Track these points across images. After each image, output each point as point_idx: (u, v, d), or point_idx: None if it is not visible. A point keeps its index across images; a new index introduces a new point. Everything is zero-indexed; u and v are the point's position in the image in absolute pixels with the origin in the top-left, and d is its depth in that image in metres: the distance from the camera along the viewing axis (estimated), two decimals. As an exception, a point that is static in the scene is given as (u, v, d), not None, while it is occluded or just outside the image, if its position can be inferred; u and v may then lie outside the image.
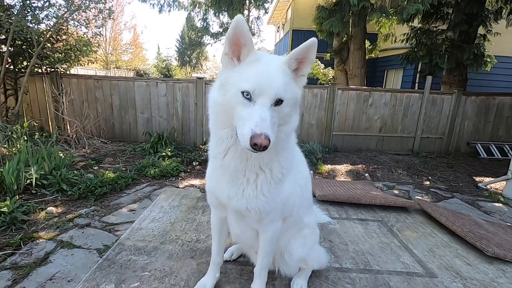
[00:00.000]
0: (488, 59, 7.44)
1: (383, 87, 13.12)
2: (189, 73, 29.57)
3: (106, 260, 1.58)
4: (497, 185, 5.05)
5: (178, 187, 4.45)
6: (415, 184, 5.07)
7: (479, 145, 6.96)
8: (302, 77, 1.04)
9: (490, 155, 6.85)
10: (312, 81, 10.62)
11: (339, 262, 1.70)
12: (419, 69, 8.90)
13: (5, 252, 2.59)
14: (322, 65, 10.76)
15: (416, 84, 10.77)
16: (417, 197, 4.50)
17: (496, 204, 4.36)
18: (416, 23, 7.93)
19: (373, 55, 11.42)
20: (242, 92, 0.92)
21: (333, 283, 1.52)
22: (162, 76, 24.53)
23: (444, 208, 2.51)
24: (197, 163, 5.48)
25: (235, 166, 1.09)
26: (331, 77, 10.35)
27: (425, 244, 1.97)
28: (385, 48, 11.80)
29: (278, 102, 0.94)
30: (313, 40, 0.98)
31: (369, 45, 10.73)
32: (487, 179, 5.34)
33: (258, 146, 0.84)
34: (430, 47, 7.39)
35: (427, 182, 5.22)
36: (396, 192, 4.65)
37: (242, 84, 0.92)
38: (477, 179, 5.45)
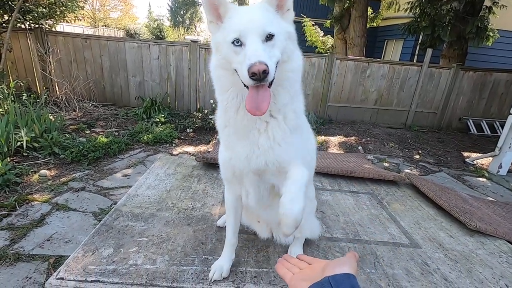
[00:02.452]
0: (491, 33, 7.27)
1: (382, 58, 12.86)
2: (182, 35, 28.18)
3: (103, 225, 1.61)
4: (484, 161, 5.22)
5: (172, 154, 4.45)
6: (405, 158, 5.20)
7: (470, 121, 7.06)
8: (288, 12, 1.04)
9: (480, 131, 6.99)
10: (310, 49, 10.29)
11: (330, 232, 1.78)
12: (419, 41, 8.68)
13: (1, 213, 2.62)
14: (322, 33, 10.37)
15: (415, 57, 10.57)
16: (406, 170, 4.64)
17: (481, 179, 4.54)
18: (422, -10, 7.57)
19: (374, 24, 11.01)
20: (232, 43, 0.94)
21: (323, 251, 1.60)
22: (154, 37, 23.35)
23: (433, 183, 2.60)
24: (191, 130, 5.44)
25: (248, 120, 1.07)
26: (330, 45, 10.03)
27: (412, 216, 2.06)
28: (387, 17, 11.37)
29: (269, 37, 0.94)
30: None
31: (371, 13, 10.30)
32: (474, 155, 5.51)
33: (257, 74, 0.85)
34: (434, 18, 7.14)
35: (417, 156, 5.35)
36: (386, 164, 4.77)
37: (229, 36, 0.95)
38: (465, 154, 5.61)
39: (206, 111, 5.93)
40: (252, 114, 0.94)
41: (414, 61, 10.22)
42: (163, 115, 5.66)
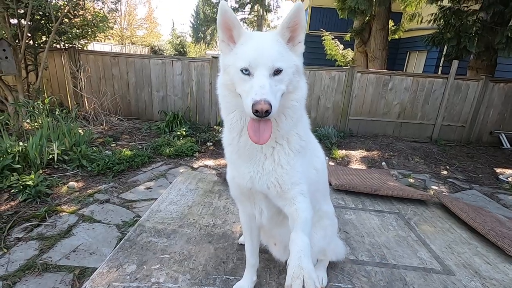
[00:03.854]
0: (523, 43, 6.92)
1: (404, 70, 12.57)
2: (203, 50, 29.14)
3: (127, 240, 1.64)
4: (520, 178, 4.88)
5: (192, 167, 4.51)
6: (432, 173, 4.96)
7: (503, 135, 6.67)
8: (299, 44, 1.05)
9: (514, 146, 6.58)
10: (330, 62, 10.26)
11: (354, 254, 1.71)
12: (444, 52, 8.41)
13: (32, 223, 2.74)
14: (342, 46, 10.34)
15: (440, 68, 10.24)
16: (433, 186, 4.42)
17: (517, 198, 4.24)
18: (445, 2, 7.40)
19: (396, 36, 10.84)
20: (241, 70, 0.96)
21: (348, 275, 1.53)
22: (177, 53, 24.30)
23: (465, 203, 2.45)
24: (211, 143, 5.51)
25: (251, 144, 1.08)
26: (350, 59, 9.95)
27: (443, 239, 1.94)
28: (409, 29, 11.17)
29: (277, 72, 0.96)
30: (298, 4, 0.99)
31: (393, 26, 10.16)
32: (509, 171, 5.16)
33: (259, 112, 0.87)
34: (459, 29, 6.92)
35: (445, 172, 5.09)
36: (411, 180, 4.58)
37: (239, 63, 0.97)
38: (498, 170, 5.28)
39: (226, 124, 5.99)
40: (255, 143, 0.96)
41: (439, 73, 9.91)
42: (184, 129, 5.79)
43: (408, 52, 12.78)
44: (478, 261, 1.74)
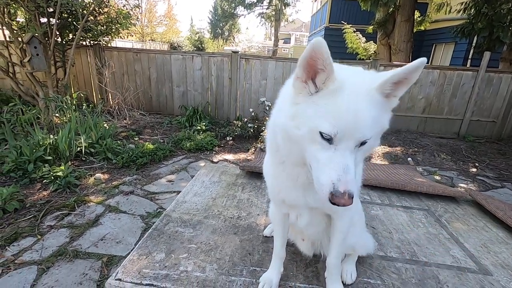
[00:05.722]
0: (562, 33, 6.44)
1: (430, 63, 12.05)
2: (221, 45, 29.27)
3: (155, 230, 1.67)
4: (558, 177, 4.57)
5: (212, 161, 4.55)
6: (460, 171, 4.74)
7: (538, 131, 6.26)
8: (394, 99, 0.84)
9: (551, 143, 6.16)
10: (351, 56, 10.00)
11: (383, 250, 1.66)
12: (474, 44, 7.98)
13: (62, 212, 2.87)
14: (363, 39, 10.04)
15: (469, 61, 9.73)
16: (461, 184, 4.23)
17: (555, 198, 3.96)
18: (477, -10, 7.00)
19: (421, 28, 10.38)
20: (321, 133, 0.75)
21: (377, 271, 1.48)
22: (195, 49, 24.56)
23: (500, 201, 2.32)
24: (230, 138, 5.53)
25: (308, 177, 0.94)
26: (373, 52, 9.65)
27: (478, 238, 1.85)
28: (436, 20, 10.67)
29: (364, 142, 0.78)
30: (422, 60, 0.78)
31: (418, 16, 9.74)
32: (545, 170, 4.84)
33: (336, 204, 0.73)
34: (492, 18, 6.52)
35: (474, 169, 4.85)
36: (437, 178, 4.39)
37: (320, 123, 0.75)
38: (533, 169, 4.96)
39: (245, 119, 6.00)
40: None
41: (468, 65, 9.42)
42: (204, 123, 5.85)
43: (434, 45, 12.23)
44: (518, 261, 1.64)
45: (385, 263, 1.54)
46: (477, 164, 5.06)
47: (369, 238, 1.51)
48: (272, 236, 1.67)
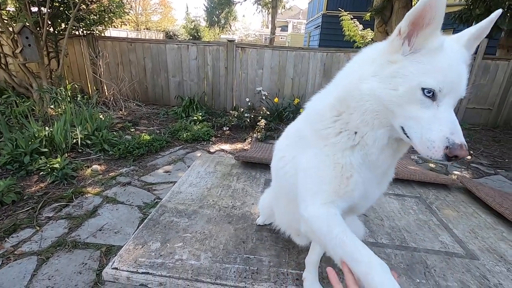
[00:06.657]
0: (561, 19, 6.39)
1: (427, 50, 11.95)
2: (218, 34, 28.82)
3: (151, 220, 1.70)
4: (550, 163, 4.64)
5: (209, 151, 4.58)
6: (455, 159, 4.79)
7: (533, 118, 6.31)
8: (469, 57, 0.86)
9: (545, 130, 6.22)
10: (349, 44, 9.90)
11: (374, 237, 1.70)
12: (472, 31, 7.90)
13: (60, 203, 2.90)
14: (361, 26, 9.91)
15: (467, 48, 9.66)
16: (455, 172, 4.28)
17: (547, 184, 4.04)
18: (476, -25, 6.89)
19: (419, 14, 10.24)
20: (423, 89, 0.73)
21: (368, 257, 1.53)
22: (191, 38, 24.18)
23: (491, 188, 2.36)
24: (227, 128, 5.54)
25: (388, 164, 0.93)
26: (370, 39, 9.55)
27: (467, 224, 1.89)
28: (434, 6, 10.51)
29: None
30: (498, 11, 0.79)
31: (416, 2, 9.60)
32: (538, 157, 4.91)
33: (457, 157, 0.70)
34: (490, 4, 6.45)
35: (468, 157, 4.91)
36: (432, 165, 4.45)
37: (424, 79, 0.73)
38: (527, 156, 5.03)
39: (242, 109, 6.00)
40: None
41: (465, 52, 9.35)
42: (200, 114, 5.84)
43: (432, 32, 12.10)
44: (504, 246, 1.69)
45: (375, 250, 1.58)
46: (471, 152, 5.11)
47: (359, 226, 1.55)
48: (265, 225, 1.72)
